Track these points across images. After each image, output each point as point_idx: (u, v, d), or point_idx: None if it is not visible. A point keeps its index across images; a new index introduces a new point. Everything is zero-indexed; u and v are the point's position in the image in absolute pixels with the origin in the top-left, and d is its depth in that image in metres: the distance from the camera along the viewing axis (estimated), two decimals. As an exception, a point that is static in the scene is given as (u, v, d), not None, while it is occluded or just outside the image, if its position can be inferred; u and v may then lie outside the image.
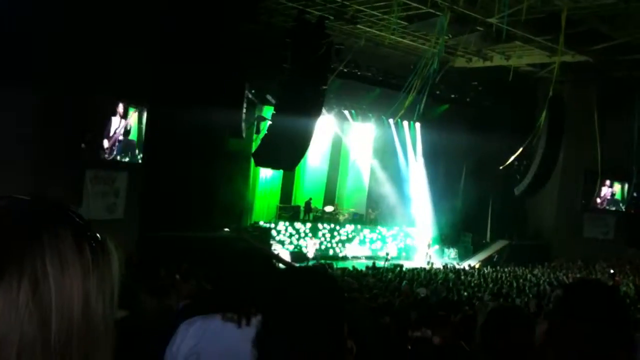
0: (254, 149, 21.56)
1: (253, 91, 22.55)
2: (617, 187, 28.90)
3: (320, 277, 1.70)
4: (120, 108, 16.25)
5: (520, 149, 22.39)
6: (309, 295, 1.58)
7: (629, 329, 1.65)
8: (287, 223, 24.96)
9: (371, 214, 28.68)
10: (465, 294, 16.03)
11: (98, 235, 0.75)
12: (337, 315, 1.60)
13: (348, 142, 28.53)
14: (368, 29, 21.28)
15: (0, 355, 0.63)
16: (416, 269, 22.65)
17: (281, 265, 21.94)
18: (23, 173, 13.90)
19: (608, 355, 1.55)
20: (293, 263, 22.15)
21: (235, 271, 2.67)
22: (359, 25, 20.90)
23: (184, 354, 2.50)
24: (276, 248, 23.58)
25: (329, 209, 27.16)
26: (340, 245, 26.42)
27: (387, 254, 26.46)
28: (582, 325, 1.58)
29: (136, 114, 16.69)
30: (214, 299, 2.64)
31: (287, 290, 1.63)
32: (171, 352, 2.53)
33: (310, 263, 22.93)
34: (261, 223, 24.24)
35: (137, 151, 16.87)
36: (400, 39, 22.24)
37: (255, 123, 23.01)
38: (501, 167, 25.46)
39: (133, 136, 16.69)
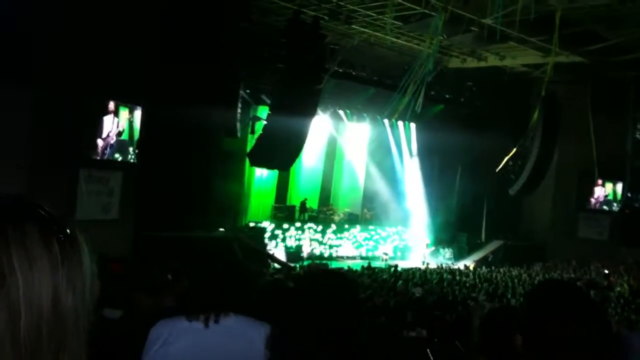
0: (249, 148, 21.56)
1: (248, 91, 22.54)
2: (610, 187, 28.98)
3: (340, 281, 1.69)
4: (115, 107, 16.20)
5: (513, 150, 22.46)
6: (327, 300, 1.58)
7: (607, 326, 1.62)
8: (282, 223, 24.96)
9: (366, 214, 28.70)
10: (460, 294, 16.05)
11: (67, 229, 0.75)
12: (354, 321, 1.59)
13: (343, 142, 28.54)
14: (363, 29, 21.29)
15: None
16: (411, 269, 22.67)
17: (276, 265, 21.91)
18: (16, 172, 13.85)
19: (594, 355, 1.52)
20: (288, 263, 22.25)
21: (209, 273, 2.65)
22: (353, 26, 20.90)
23: (151, 355, 2.49)
24: (271, 248, 23.58)
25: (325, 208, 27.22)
26: (335, 245, 26.42)
27: (386, 254, 26.49)
28: (560, 328, 1.54)
29: (130, 113, 16.64)
30: (194, 300, 2.61)
31: (306, 294, 1.63)
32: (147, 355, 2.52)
33: (305, 263, 22.94)
34: (256, 223, 24.21)
35: (131, 151, 16.82)
36: (395, 39, 22.26)
37: (250, 123, 23.01)
38: (497, 170, 25.51)
39: (126, 136, 16.64)
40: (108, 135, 16.07)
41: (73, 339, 0.71)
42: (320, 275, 1.80)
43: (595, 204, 28.89)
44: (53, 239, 0.72)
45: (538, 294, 1.73)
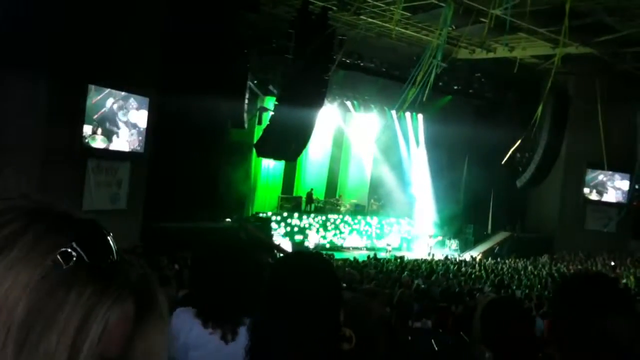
0: (256, 139, 21.57)
1: (255, 82, 22.52)
2: (619, 179, 28.86)
3: (314, 262, 1.65)
4: (124, 98, 16.24)
5: (518, 142, 22.37)
6: (302, 282, 1.54)
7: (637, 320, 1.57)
8: (288, 213, 25.03)
9: (373, 205, 28.71)
10: (466, 285, 16.04)
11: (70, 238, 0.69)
12: (331, 302, 1.56)
13: (350, 133, 28.51)
14: (371, 20, 21.21)
15: None
16: (417, 260, 22.68)
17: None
18: (25, 163, 13.94)
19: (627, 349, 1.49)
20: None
21: (221, 272, 2.49)
22: (362, 16, 20.83)
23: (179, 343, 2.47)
24: (277, 238, 23.63)
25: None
26: (341, 236, 26.46)
27: (389, 245, 26.50)
28: (592, 320, 1.51)
29: (139, 103, 16.68)
30: (206, 302, 2.49)
31: (281, 277, 1.59)
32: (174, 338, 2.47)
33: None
34: (263, 213, 24.26)
35: (139, 141, 16.87)
36: (404, 30, 22.16)
37: (258, 114, 23.01)
38: (503, 162, 25.43)
39: (136, 126, 16.69)
40: (116, 125, 16.12)
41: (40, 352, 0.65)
42: (291, 257, 1.74)
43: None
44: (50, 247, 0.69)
45: (576, 287, 1.68)
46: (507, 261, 24.08)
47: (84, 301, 0.65)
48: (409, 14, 19.85)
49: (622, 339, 1.49)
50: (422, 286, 14.21)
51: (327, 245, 25.32)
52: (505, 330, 2.19)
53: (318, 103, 20.64)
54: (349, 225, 26.85)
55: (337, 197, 28.04)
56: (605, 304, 1.53)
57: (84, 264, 0.67)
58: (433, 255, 25.54)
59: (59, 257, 0.66)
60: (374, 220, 27.64)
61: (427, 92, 16.57)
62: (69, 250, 0.67)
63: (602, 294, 1.57)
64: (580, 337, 1.53)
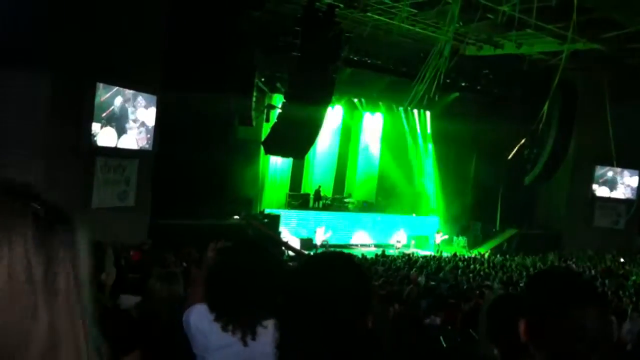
0: (263, 137, 21.60)
1: (263, 79, 22.54)
2: (628, 175, 28.73)
3: (344, 262, 1.60)
4: (132, 96, 16.30)
5: (524, 139, 22.32)
6: (330, 285, 1.50)
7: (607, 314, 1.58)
8: (296, 210, 25.07)
9: (381, 202, 28.71)
10: (475, 282, 16.04)
11: (66, 217, 0.76)
12: (360, 303, 1.52)
13: (358, 130, 28.52)
14: (378, 17, 21.17)
15: None
16: (425, 257, 22.68)
17: (290, 253, 21.92)
18: (34, 161, 14.00)
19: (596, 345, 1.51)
20: (302, 250, 22.32)
21: (238, 268, 2.41)
22: (368, 13, 20.78)
23: (193, 333, 2.44)
24: (285, 235, 23.67)
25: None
26: (349, 233, 26.48)
27: (399, 242, 26.49)
28: (562, 314, 1.52)
29: (147, 101, 16.73)
30: (221, 301, 2.42)
31: (309, 278, 1.55)
32: (187, 321, 2.45)
33: (319, 251, 23.02)
34: (271, 211, 24.30)
35: (147, 139, 16.93)
36: (411, 27, 22.11)
37: (265, 111, 23.03)
38: (509, 158, 25.36)
39: (144, 124, 16.74)
40: (125, 123, 16.18)
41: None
42: (323, 259, 1.70)
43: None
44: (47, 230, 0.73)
45: (542, 282, 1.70)
46: (515, 258, 24.03)
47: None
48: (415, 11, 19.80)
49: (593, 331, 1.49)
50: (432, 283, 14.22)
51: (335, 242, 25.32)
52: (511, 327, 2.19)
53: (325, 100, 20.65)
54: (357, 221, 26.87)
55: (345, 194, 28.07)
56: (573, 298, 1.54)
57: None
58: (441, 252, 25.52)
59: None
60: (382, 217, 27.64)
61: (434, 88, 16.54)
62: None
63: (568, 288, 1.58)
64: (551, 332, 1.53)
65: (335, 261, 1.62)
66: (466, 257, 23.81)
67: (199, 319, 2.42)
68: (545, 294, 1.61)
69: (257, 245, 2.62)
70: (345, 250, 23.82)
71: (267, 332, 2.28)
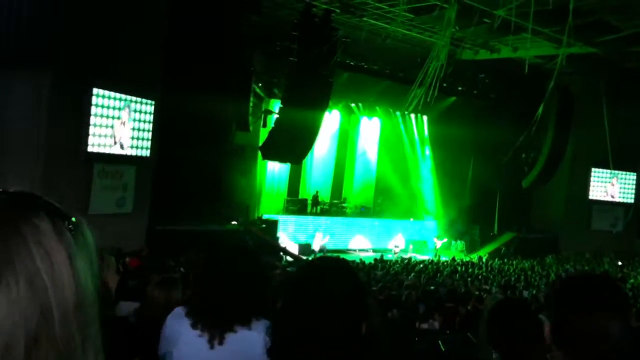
0: (261, 142, 21.60)
1: (260, 84, 22.56)
2: (625, 178, 28.77)
3: (338, 268, 1.61)
4: (129, 101, 16.29)
5: (519, 141, 22.36)
6: (325, 292, 1.50)
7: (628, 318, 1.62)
8: (294, 216, 25.06)
9: (379, 207, 28.71)
10: (473, 286, 16.03)
11: (72, 217, 0.76)
12: (354, 309, 1.52)
13: (355, 135, 28.54)
14: (374, 22, 21.21)
15: (12, 353, 0.65)
16: (424, 261, 22.67)
17: (289, 258, 21.91)
18: (30, 167, 13.99)
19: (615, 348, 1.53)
20: (300, 256, 22.30)
21: (220, 273, 2.43)
22: (365, 18, 20.83)
23: (162, 350, 2.49)
24: (283, 241, 23.65)
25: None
26: (347, 238, 26.47)
27: (397, 246, 26.48)
28: (593, 319, 1.54)
29: (144, 107, 16.72)
30: (202, 303, 2.45)
31: (304, 285, 1.56)
32: (163, 336, 2.50)
33: (318, 256, 22.99)
34: (269, 216, 24.28)
35: (145, 145, 16.91)
36: (407, 32, 22.16)
37: (263, 116, 23.04)
38: (504, 161, 25.41)
39: (141, 130, 16.73)
40: (122, 129, 16.16)
41: (93, 326, 0.74)
42: (318, 265, 1.69)
43: (610, 195, 28.71)
44: (64, 230, 0.73)
45: (571, 287, 1.72)
46: (513, 262, 24.03)
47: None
48: (412, 16, 19.84)
49: (615, 334, 1.52)
50: (431, 287, 14.22)
51: (333, 247, 25.31)
52: (512, 332, 2.19)
53: (322, 105, 20.67)
54: (355, 226, 26.86)
55: (342, 199, 28.06)
56: (602, 303, 1.56)
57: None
58: (439, 256, 25.52)
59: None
60: (380, 222, 27.64)
61: (431, 93, 16.57)
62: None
63: (599, 293, 1.59)
64: (578, 336, 1.55)
65: (331, 267, 1.62)
66: (464, 261, 23.80)
67: (176, 317, 2.46)
68: (571, 297, 1.63)
69: (242, 251, 2.63)
70: (343, 255, 23.79)
71: (237, 337, 2.33)
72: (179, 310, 2.49)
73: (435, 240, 27.71)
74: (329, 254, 23.27)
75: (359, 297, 1.56)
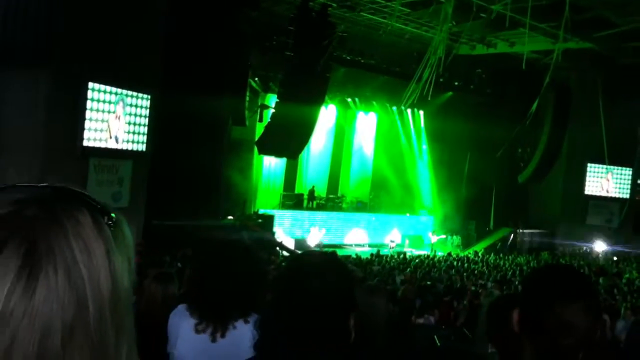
0: (257, 137, 21.58)
1: (256, 79, 22.52)
2: (621, 173, 28.83)
3: (327, 261, 1.61)
4: (125, 95, 16.24)
5: (512, 135, 22.43)
6: (314, 281, 1.51)
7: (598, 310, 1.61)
8: (290, 210, 25.06)
9: (375, 202, 28.73)
10: (469, 281, 16.06)
11: (112, 213, 0.78)
12: (342, 302, 1.53)
13: (351, 130, 28.53)
14: (371, 17, 21.19)
15: (47, 342, 0.66)
16: (420, 256, 22.70)
17: (285, 253, 21.93)
18: (27, 161, 13.96)
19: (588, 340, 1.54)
20: (296, 251, 22.32)
21: (217, 271, 2.45)
22: (362, 13, 20.80)
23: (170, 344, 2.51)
24: (279, 236, 23.66)
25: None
26: (343, 232, 26.49)
27: (392, 241, 26.52)
28: (551, 308, 1.54)
29: (140, 101, 16.68)
30: (202, 299, 2.47)
31: (292, 275, 1.57)
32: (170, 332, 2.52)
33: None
34: (265, 211, 24.28)
35: (141, 139, 16.87)
36: (404, 27, 22.13)
37: (259, 111, 23.01)
38: (497, 155, 25.45)
39: (138, 124, 16.69)
40: (118, 123, 16.12)
41: (128, 320, 0.76)
42: (307, 258, 1.68)
43: (606, 191, 28.77)
44: (103, 225, 0.75)
45: (535, 277, 1.73)
46: (509, 257, 24.09)
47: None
48: (408, 10, 19.82)
49: (580, 327, 1.52)
50: (428, 282, 14.25)
51: (329, 242, 25.33)
52: (510, 327, 2.19)
53: (319, 100, 20.65)
54: (351, 221, 26.88)
55: (339, 194, 28.07)
56: (560, 293, 1.56)
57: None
58: (435, 251, 25.57)
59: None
60: (377, 217, 27.66)
61: (427, 87, 16.56)
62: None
63: (557, 283, 1.60)
64: (540, 326, 1.56)
65: (319, 262, 1.62)
66: (460, 256, 23.85)
67: (177, 315, 2.50)
68: (536, 288, 1.63)
69: (240, 247, 2.65)
70: (339, 250, 23.82)
71: (237, 332, 2.36)
72: (181, 308, 2.51)
73: (430, 235, 27.73)
74: (325, 249, 23.33)
75: (348, 292, 1.56)
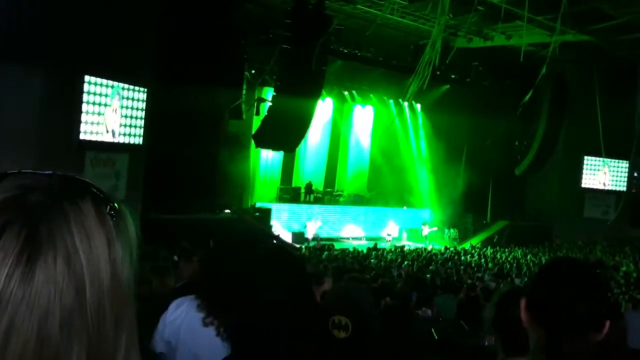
0: (254, 130, 21.54)
1: (253, 72, 22.47)
2: (617, 166, 28.88)
3: (248, 242, 1.61)
4: (122, 89, 16.20)
5: (503, 126, 22.49)
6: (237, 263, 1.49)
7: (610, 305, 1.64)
8: (287, 204, 25.05)
9: (372, 195, 28.73)
10: (466, 274, 16.10)
11: (115, 203, 0.80)
12: (298, 284, 1.54)
13: (348, 123, 28.50)
14: (367, 9, 21.13)
15: (45, 327, 0.67)
16: (417, 249, 22.73)
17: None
18: (23, 154, 13.91)
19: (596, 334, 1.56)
20: (294, 244, 22.32)
21: (234, 263, 2.35)
22: (358, 5, 20.74)
23: (166, 335, 2.49)
24: (277, 229, 23.65)
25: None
26: (340, 226, 26.50)
27: (389, 235, 26.54)
28: (559, 301, 1.57)
29: (136, 94, 16.64)
30: (206, 288, 2.46)
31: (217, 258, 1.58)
32: (163, 322, 2.52)
33: (311, 244, 23.02)
34: (262, 205, 24.26)
35: (137, 132, 16.84)
36: (401, 20, 22.08)
37: (255, 104, 22.96)
38: (487, 143, 25.45)
39: (134, 117, 16.66)
40: (115, 116, 16.08)
41: (129, 310, 0.76)
42: (227, 239, 1.75)
43: (603, 183, 28.84)
44: (106, 215, 0.76)
45: (546, 271, 1.76)
46: (506, 250, 24.13)
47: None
48: (405, 3, 19.77)
49: (585, 319, 1.55)
50: (427, 276, 14.27)
51: (327, 235, 25.34)
52: (519, 322, 2.19)
53: (315, 93, 20.62)
54: (348, 215, 26.88)
55: (336, 188, 28.08)
56: (565, 281, 1.61)
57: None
58: (432, 244, 25.59)
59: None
60: (374, 210, 27.67)
61: (424, 80, 16.55)
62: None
63: (564, 273, 1.64)
64: (543, 313, 1.60)
65: (240, 239, 1.68)
66: (457, 249, 23.88)
67: (181, 306, 2.49)
68: (547, 278, 1.68)
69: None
70: (337, 244, 23.84)
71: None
72: (185, 300, 2.51)
73: (423, 227, 27.67)
74: (322, 243, 23.33)
75: (279, 265, 1.59)
